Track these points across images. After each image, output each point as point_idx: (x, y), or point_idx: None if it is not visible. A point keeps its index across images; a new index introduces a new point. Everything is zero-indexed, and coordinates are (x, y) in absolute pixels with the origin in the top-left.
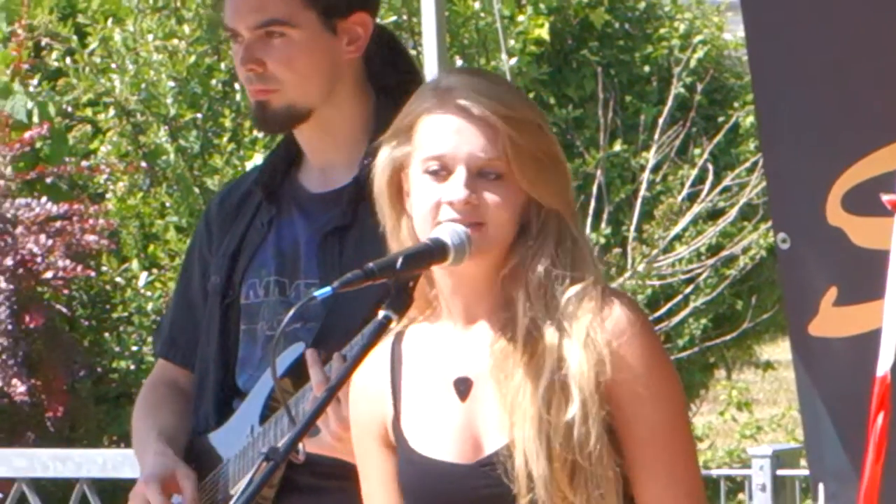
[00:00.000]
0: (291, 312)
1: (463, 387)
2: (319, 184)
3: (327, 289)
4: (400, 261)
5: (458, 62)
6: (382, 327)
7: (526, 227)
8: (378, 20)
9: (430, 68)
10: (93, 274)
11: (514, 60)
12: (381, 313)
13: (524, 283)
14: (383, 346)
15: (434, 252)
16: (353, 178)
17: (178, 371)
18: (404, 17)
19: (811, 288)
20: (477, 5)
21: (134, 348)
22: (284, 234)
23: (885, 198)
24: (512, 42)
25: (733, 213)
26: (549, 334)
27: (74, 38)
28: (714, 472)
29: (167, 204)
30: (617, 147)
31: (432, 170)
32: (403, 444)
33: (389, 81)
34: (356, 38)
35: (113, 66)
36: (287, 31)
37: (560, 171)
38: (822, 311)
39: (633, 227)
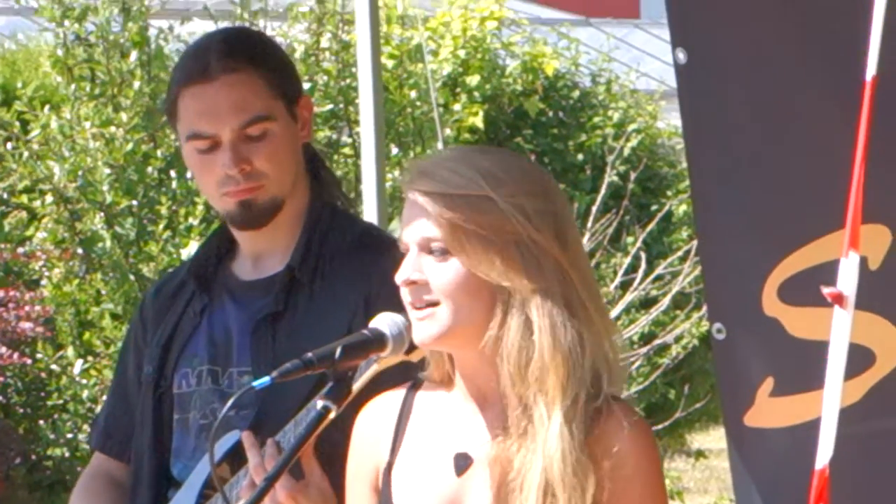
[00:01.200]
0: (231, 402)
1: (462, 463)
2: (251, 271)
3: (266, 379)
4: (339, 351)
5: (395, 150)
6: (321, 418)
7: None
8: (315, 109)
9: (367, 157)
10: (28, 361)
11: None
12: (320, 404)
13: (505, 366)
14: (398, 392)
15: (373, 342)
16: (286, 266)
17: (113, 463)
18: (341, 106)
19: (747, 378)
20: (413, 94)
21: (69, 436)
22: (216, 323)
23: (826, 290)
24: (448, 130)
25: (666, 301)
26: (539, 422)
27: (17, 123)
28: None
29: (103, 291)
30: None
31: (402, 251)
32: (387, 496)
33: (318, 168)
34: (306, 121)
35: (51, 154)
36: (269, 125)
37: (517, 248)
38: (758, 402)
39: None
